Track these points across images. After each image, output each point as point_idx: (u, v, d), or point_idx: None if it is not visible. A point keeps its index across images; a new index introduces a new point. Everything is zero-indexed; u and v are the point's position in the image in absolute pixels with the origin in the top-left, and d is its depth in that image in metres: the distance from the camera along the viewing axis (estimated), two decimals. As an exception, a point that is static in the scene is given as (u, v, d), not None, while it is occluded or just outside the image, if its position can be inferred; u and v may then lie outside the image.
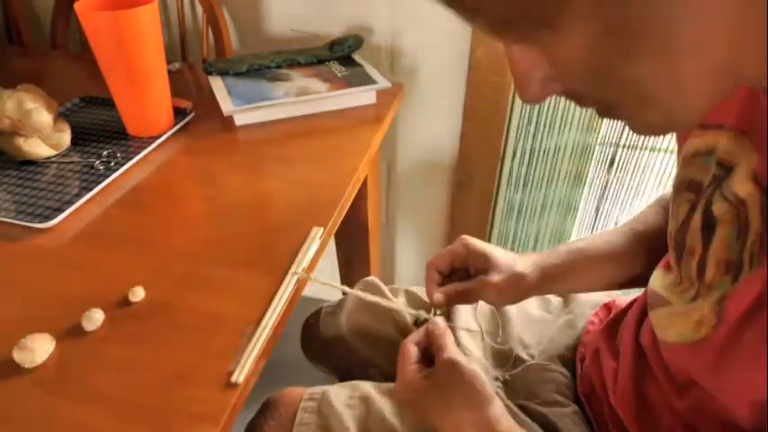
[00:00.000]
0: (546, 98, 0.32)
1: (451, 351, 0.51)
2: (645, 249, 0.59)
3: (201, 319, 0.54)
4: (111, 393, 0.47)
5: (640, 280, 0.60)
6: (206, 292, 0.57)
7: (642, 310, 0.58)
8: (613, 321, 0.63)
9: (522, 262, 0.58)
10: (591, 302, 0.72)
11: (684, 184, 0.44)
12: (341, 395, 0.63)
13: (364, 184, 0.96)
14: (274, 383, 0.70)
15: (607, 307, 0.70)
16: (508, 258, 0.58)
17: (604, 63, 0.27)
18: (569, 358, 0.66)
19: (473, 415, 0.48)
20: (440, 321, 0.55)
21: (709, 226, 0.40)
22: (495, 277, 0.56)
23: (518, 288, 0.57)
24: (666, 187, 1.08)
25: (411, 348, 0.53)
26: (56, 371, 0.50)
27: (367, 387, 0.64)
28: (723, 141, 0.40)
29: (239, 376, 0.48)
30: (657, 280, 0.49)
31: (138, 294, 0.56)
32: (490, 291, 0.57)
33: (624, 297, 0.72)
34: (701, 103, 0.29)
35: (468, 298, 0.58)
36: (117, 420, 0.45)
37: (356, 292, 0.62)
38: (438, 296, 0.57)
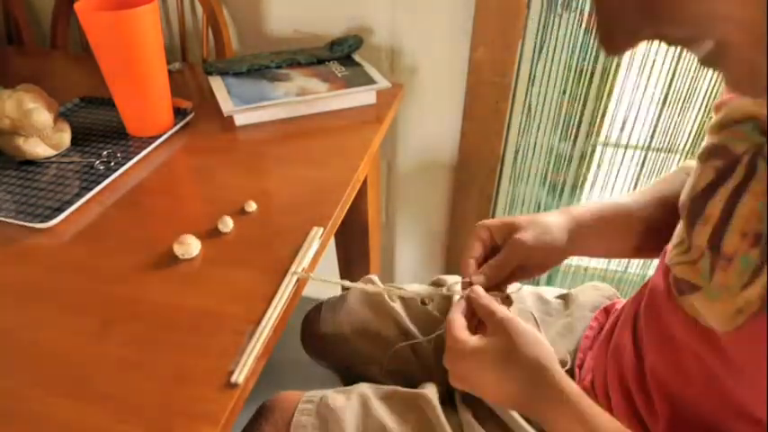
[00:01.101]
0: (631, 48, 0.29)
1: (503, 311, 0.48)
2: (668, 214, 0.56)
3: (202, 319, 0.54)
4: (111, 393, 0.47)
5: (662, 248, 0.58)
6: (206, 292, 0.57)
7: (632, 315, 0.57)
8: (615, 326, 0.62)
9: (546, 213, 0.57)
10: (590, 305, 0.71)
11: (713, 152, 0.42)
12: (339, 398, 0.63)
13: (364, 183, 0.96)
14: (274, 384, 0.70)
15: (606, 311, 0.70)
16: (528, 216, 0.57)
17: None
18: (569, 362, 0.66)
19: (547, 373, 0.44)
20: (480, 290, 0.52)
21: (736, 195, 0.38)
22: (520, 234, 0.54)
23: (547, 233, 0.55)
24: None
25: (457, 317, 0.50)
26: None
27: (365, 390, 0.64)
28: None
29: (239, 376, 0.47)
30: (672, 255, 0.46)
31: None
32: (520, 248, 0.54)
33: (623, 300, 0.72)
34: None
35: (504, 268, 0.55)
36: (117, 420, 0.45)
37: (357, 285, 0.62)
38: (479, 278, 0.54)
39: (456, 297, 0.56)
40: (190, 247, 0.60)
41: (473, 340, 0.47)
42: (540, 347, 0.45)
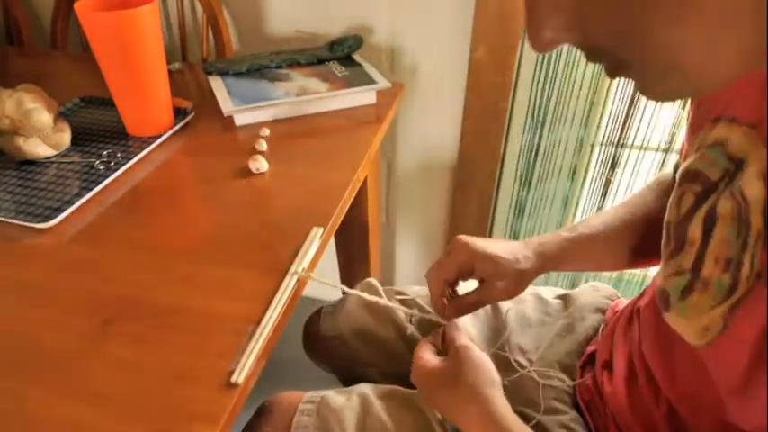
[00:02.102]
0: (556, 48, 0.31)
1: (463, 339, 0.53)
2: (641, 235, 0.61)
3: (202, 319, 0.54)
4: (111, 393, 0.47)
5: (637, 263, 0.63)
6: (206, 292, 0.57)
7: (629, 319, 0.58)
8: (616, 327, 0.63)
9: (523, 256, 0.59)
10: (590, 306, 0.71)
11: (691, 176, 0.43)
12: (339, 398, 0.63)
13: (364, 184, 0.96)
14: (274, 383, 0.70)
15: (611, 310, 0.70)
16: (510, 258, 0.58)
17: (642, 23, 0.26)
18: (569, 364, 0.66)
19: (478, 395, 0.49)
20: (457, 321, 0.58)
21: (710, 222, 0.40)
22: (500, 283, 0.58)
23: (522, 282, 0.59)
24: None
25: (425, 343, 0.57)
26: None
27: (365, 389, 0.65)
28: (735, 135, 0.39)
29: (239, 376, 0.47)
30: (660, 278, 0.49)
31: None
32: (498, 295, 0.59)
33: (624, 300, 0.72)
34: (725, 77, 0.28)
35: (477, 306, 0.60)
36: (117, 420, 0.45)
37: (355, 291, 0.62)
38: (450, 313, 0.59)
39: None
40: (260, 162, 0.72)
41: (433, 361, 0.54)
42: (479, 374, 0.50)
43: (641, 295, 0.61)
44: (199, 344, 0.51)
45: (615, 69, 0.30)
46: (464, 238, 0.59)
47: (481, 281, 0.59)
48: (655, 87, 0.30)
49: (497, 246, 0.59)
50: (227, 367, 0.48)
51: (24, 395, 0.47)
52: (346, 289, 0.62)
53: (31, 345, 0.52)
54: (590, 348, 0.66)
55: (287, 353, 0.89)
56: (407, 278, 1.46)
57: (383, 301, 0.64)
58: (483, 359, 0.52)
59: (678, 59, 0.27)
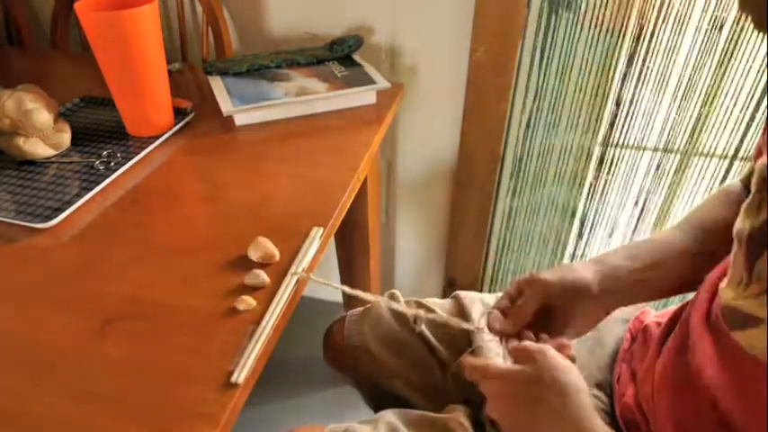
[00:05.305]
0: None
1: (539, 344, 0.48)
2: (716, 248, 0.54)
3: (202, 319, 0.54)
4: (111, 393, 0.47)
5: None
6: (206, 291, 0.57)
7: (676, 330, 0.54)
8: (650, 337, 0.60)
9: (567, 268, 0.54)
10: (619, 318, 0.68)
11: None
12: (365, 429, 0.60)
13: (364, 184, 0.96)
14: (274, 384, 0.70)
15: (638, 320, 0.67)
16: (552, 278, 0.53)
17: None
18: (602, 380, 0.63)
19: (572, 403, 0.45)
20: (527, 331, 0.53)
21: None
22: (541, 273, 0.54)
23: (568, 272, 0.54)
24: (664, 185, 1.08)
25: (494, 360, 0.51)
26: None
27: (392, 418, 0.62)
28: None
29: (239, 376, 0.48)
30: (729, 293, 0.44)
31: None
32: (539, 285, 0.54)
33: (652, 311, 0.70)
34: None
35: (527, 307, 0.54)
36: (117, 420, 0.45)
37: (355, 292, 0.61)
38: (506, 325, 0.54)
39: (485, 336, 0.56)
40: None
41: (510, 367, 0.48)
42: (570, 376, 0.46)
43: (674, 308, 0.58)
44: (199, 344, 0.51)
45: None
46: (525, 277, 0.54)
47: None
48: None
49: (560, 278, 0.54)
50: (227, 367, 0.49)
51: (24, 395, 0.47)
52: (347, 290, 0.60)
53: (31, 345, 0.52)
54: (623, 363, 0.63)
55: (287, 353, 0.89)
56: (407, 278, 1.46)
57: (393, 304, 0.61)
58: (569, 363, 0.47)
59: None
